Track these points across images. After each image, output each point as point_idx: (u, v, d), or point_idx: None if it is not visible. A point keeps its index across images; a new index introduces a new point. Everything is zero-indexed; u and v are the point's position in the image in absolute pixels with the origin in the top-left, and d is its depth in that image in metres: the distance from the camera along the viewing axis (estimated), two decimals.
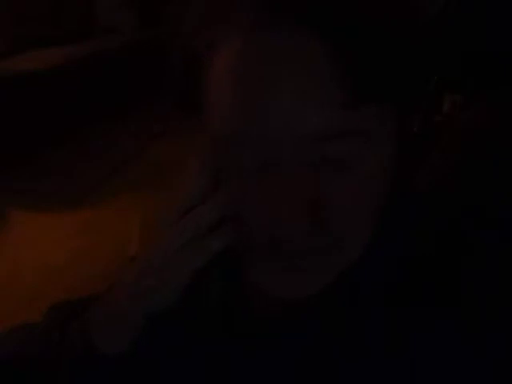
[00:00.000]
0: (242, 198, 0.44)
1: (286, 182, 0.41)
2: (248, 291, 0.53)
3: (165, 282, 0.46)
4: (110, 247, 2.36)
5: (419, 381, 0.43)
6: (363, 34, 0.39)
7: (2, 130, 3.05)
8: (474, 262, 0.47)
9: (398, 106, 0.44)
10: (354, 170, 0.42)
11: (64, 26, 3.72)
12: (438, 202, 0.55)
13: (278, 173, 0.41)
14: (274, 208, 0.41)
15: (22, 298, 2.11)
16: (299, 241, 0.43)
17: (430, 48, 0.47)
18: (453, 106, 0.81)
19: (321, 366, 0.47)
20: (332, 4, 0.39)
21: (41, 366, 0.50)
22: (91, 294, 0.62)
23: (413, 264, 0.46)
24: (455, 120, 0.78)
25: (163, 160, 3.14)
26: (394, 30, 0.41)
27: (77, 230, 2.60)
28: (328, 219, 0.42)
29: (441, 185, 0.71)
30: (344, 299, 0.47)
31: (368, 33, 0.39)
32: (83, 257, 2.38)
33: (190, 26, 0.45)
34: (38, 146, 3.24)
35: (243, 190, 0.44)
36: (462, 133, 0.75)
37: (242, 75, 0.40)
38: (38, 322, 0.57)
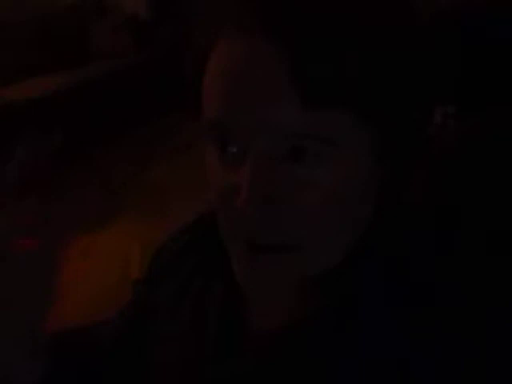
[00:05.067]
0: (221, 185, 0.48)
1: (253, 169, 0.45)
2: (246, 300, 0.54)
3: None
4: (110, 271, 2.36)
5: (420, 382, 0.44)
6: (320, 50, 0.43)
7: None
8: (471, 265, 0.48)
9: (372, 118, 0.45)
10: (317, 173, 0.45)
11: (57, 53, 3.72)
12: (431, 212, 0.56)
13: (246, 161, 0.45)
14: (236, 195, 0.45)
15: None
16: (252, 233, 0.46)
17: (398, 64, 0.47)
18: (444, 118, 0.82)
19: (320, 369, 0.47)
20: (293, 21, 0.44)
21: None
22: (81, 324, 0.64)
23: (412, 265, 0.47)
24: (448, 133, 0.79)
25: (159, 183, 3.15)
26: (349, 44, 0.44)
27: (76, 254, 2.60)
28: (282, 216, 0.45)
29: (434, 196, 0.71)
30: (343, 302, 0.48)
31: (324, 50, 0.43)
32: (84, 281, 2.37)
33: (196, 31, 0.51)
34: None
35: (221, 178, 0.48)
36: (456, 146, 0.76)
37: (221, 73, 0.46)
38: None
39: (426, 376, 0.44)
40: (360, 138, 0.45)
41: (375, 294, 0.47)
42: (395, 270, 0.47)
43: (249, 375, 0.51)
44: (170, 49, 3.86)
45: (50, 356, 0.54)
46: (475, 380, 0.43)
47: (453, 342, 0.44)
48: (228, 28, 0.46)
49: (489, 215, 0.62)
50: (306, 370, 0.48)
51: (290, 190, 0.45)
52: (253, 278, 0.48)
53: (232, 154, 0.47)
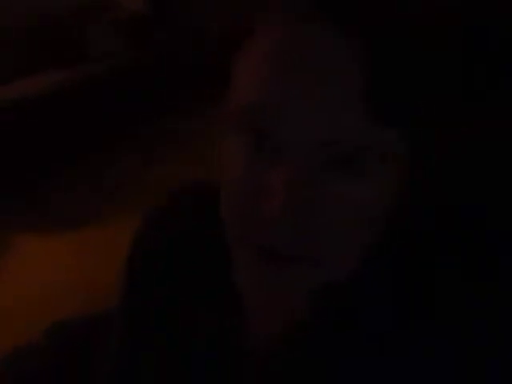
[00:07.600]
0: (243, 186, 0.43)
1: (293, 172, 0.40)
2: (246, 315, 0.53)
3: None
4: (112, 267, 2.36)
5: (420, 382, 0.44)
6: (399, 69, 0.40)
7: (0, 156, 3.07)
8: (471, 265, 0.48)
9: (413, 134, 0.44)
10: (358, 185, 0.42)
11: (55, 53, 3.70)
12: (431, 212, 0.57)
13: (282, 161, 0.41)
14: (265, 199, 0.41)
15: (27, 320, 2.12)
16: (278, 242, 0.42)
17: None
18: None
19: (321, 369, 0.48)
20: (377, 14, 0.40)
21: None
22: (88, 315, 0.64)
23: (413, 265, 0.47)
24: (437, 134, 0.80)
25: (160, 181, 3.15)
26: (419, 65, 0.42)
27: (78, 250, 2.61)
28: (313, 228, 0.42)
29: (434, 196, 0.71)
30: (344, 302, 0.48)
31: (402, 69, 0.40)
32: (85, 277, 2.38)
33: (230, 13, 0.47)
34: (35, 171, 3.25)
35: (244, 176, 0.43)
36: (455, 146, 0.77)
37: (274, 57, 0.41)
38: (37, 342, 0.59)
39: (427, 377, 0.44)
40: (397, 153, 0.43)
41: (377, 294, 0.47)
42: (396, 271, 0.47)
43: (251, 377, 0.51)
44: (170, 46, 3.85)
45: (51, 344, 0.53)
46: (473, 381, 0.43)
47: (454, 342, 0.44)
48: (287, 14, 0.41)
49: (489, 215, 0.62)
50: (306, 371, 0.48)
51: (327, 201, 0.41)
52: (265, 289, 0.45)
53: (270, 149, 0.42)
